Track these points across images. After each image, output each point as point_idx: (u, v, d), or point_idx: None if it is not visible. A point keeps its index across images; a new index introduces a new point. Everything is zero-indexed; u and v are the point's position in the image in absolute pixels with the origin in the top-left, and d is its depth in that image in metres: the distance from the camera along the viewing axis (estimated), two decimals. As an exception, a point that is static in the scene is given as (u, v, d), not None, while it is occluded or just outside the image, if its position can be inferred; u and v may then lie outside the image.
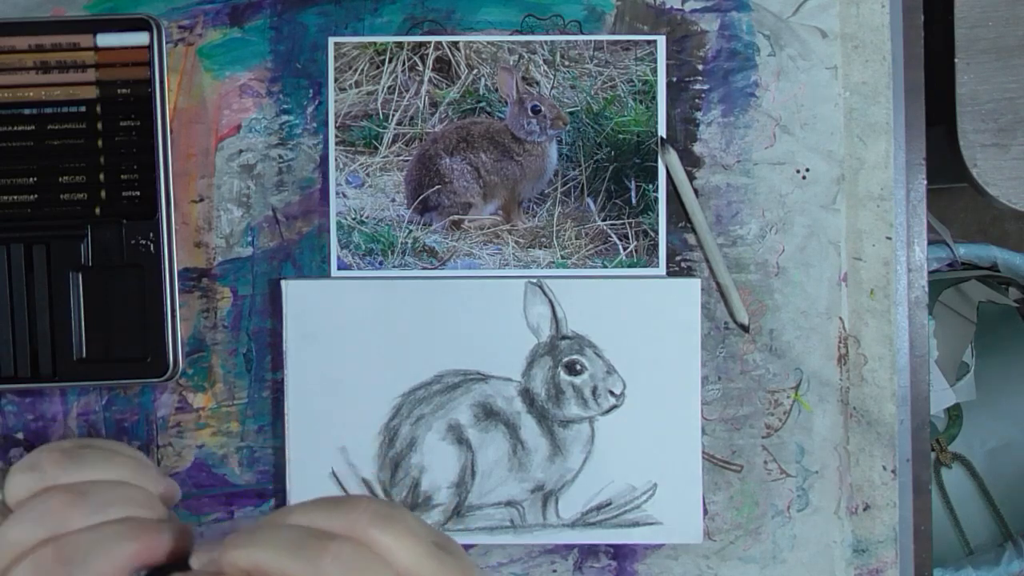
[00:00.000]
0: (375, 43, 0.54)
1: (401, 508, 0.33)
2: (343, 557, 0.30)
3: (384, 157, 0.54)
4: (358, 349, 0.52)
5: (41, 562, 0.32)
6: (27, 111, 0.52)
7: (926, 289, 0.55)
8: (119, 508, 0.34)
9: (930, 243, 0.73)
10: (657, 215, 0.54)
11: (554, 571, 0.54)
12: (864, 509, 0.54)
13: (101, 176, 0.52)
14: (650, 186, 0.54)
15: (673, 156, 0.54)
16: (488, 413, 0.53)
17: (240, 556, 0.31)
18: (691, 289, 0.53)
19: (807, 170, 0.54)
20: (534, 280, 0.53)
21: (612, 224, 0.54)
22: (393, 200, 0.54)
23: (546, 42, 0.54)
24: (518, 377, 0.53)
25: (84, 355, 0.52)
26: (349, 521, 0.31)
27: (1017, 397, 1.00)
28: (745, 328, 0.54)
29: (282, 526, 0.32)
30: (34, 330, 0.51)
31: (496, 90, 0.54)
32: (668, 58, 0.54)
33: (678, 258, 0.54)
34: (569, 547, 0.54)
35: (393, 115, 0.54)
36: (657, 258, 0.54)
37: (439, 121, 0.54)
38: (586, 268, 0.54)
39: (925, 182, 0.55)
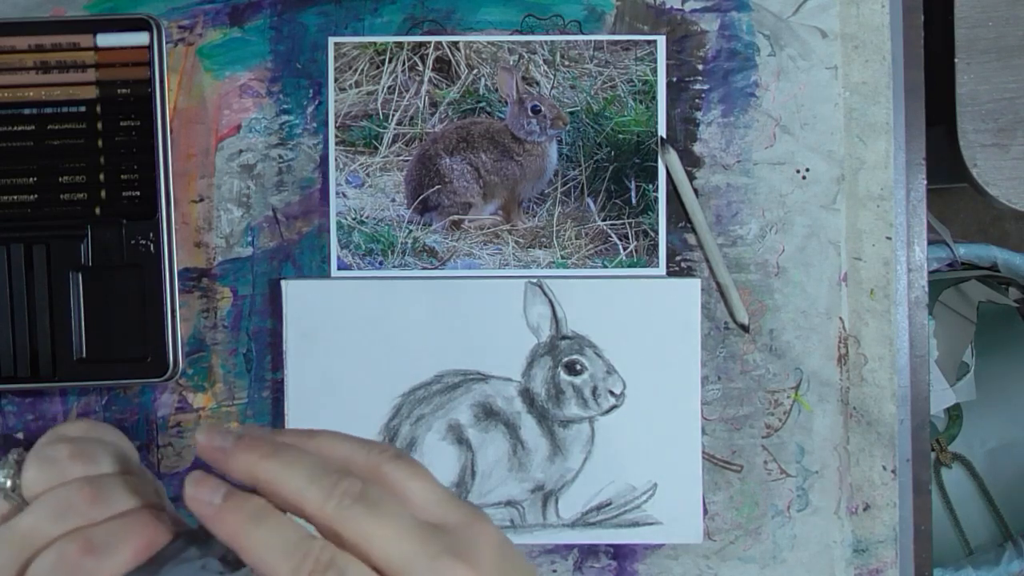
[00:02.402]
0: (375, 43, 0.54)
1: (406, 465, 0.34)
2: (354, 491, 0.31)
3: (384, 157, 0.54)
4: (358, 349, 0.52)
5: (65, 554, 0.33)
6: (27, 111, 0.52)
7: (926, 289, 0.55)
8: (133, 499, 0.35)
9: (930, 243, 0.73)
10: (657, 215, 0.54)
11: (554, 571, 0.54)
12: (864, 509, 0.54)
13: (101, 176, 0.52)
14: (650, 186, 0.54)
15: (673, 156, 0.54)
16: (488, 413, 0.53)
17: (260, 468, 0.32)
18: (691, 289, 0.53)
19: (807, 170, 0.54)
20: (534, 280, 0.53)
21: (612, 224, 0.54)
22: (393, 200, 0.54)
23: (546, 42, 0.54)
24: (518, 377, 0.53)
25: (84, 355, 0.52)
26: (370, 458, 0.33)
27: (1017, 397, 1.00)
28: (745, 328, 0.54)
29: (306, 452, 0.33)
30: (34, 330, 0.51)
31: (496, 90, 0.54)
32: (668, 58, 0.54)
33: (678, 258, 0.54)
34: (569, 547, 0.54)
35: (393, 115, 0.54)
36: (657, 258, 0.54)
37: (439, 121, 0.54)
38: (586, 268, 0.54)
39: (925, 182, 0.55)
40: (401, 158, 0.54)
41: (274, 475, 0.32)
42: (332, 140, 0.54)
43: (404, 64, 0.54)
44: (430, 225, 0.54)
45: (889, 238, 0.54)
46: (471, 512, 0.34)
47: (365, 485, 0.32)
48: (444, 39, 0.54)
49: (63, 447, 0.37)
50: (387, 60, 0.54)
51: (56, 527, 0.34)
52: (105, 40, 0.52)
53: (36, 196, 0.52)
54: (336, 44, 0.54)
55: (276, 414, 0.53)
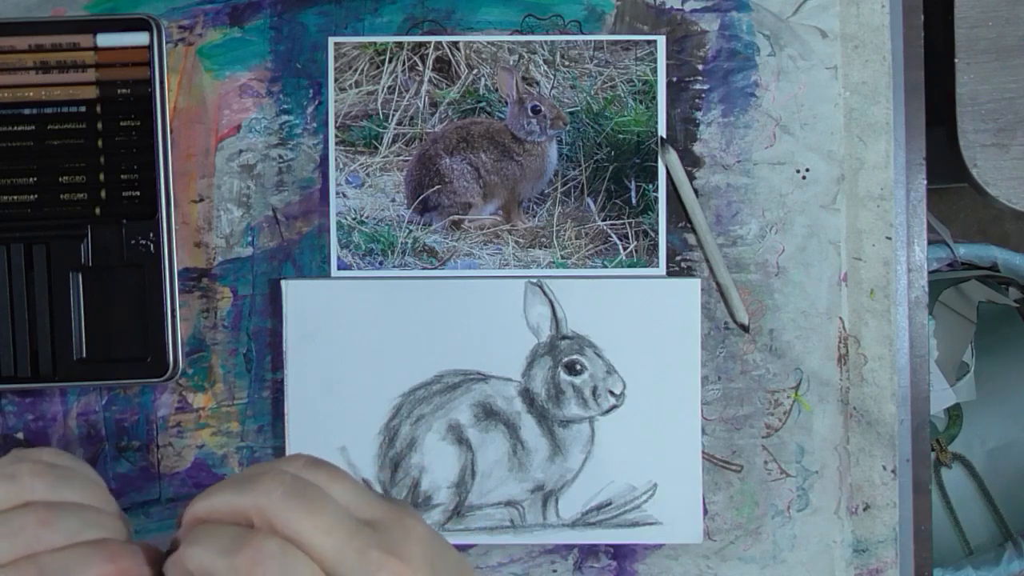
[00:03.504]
0: (375, 43, 0.54)
1: (325, 469, 0.33)
2: (281, 478, 0.31)
3: (384, 157, 0.54)
4: (358, 349, 0.52)
5: None
6: (27, 111, 0.52)
7: (926, 289, 0.55)
8: (95, 530, 0.34)
9: (930, 243, 0.73)
10: (657, 215, 0.54)
11: (554, 571, 0.54)
12: (864, 509, 0.54)
13: (101, 176, 0.52)
14: (650, 186, 0.54)
15: (673, 156, 0.54)
16: (488, 413, 0.53)
17: (199, 508, 0.32)
18: (691, 289, 0.53)
19: (807, 170, 0.54)
20: (534, 280, 0.53)
21: (612, 224, 0.54)
22: (393, 200, 0.54)
23: (546, 42, 0.54)
24: (518, 377, 0.53)
25: (84, 355, 0.52)
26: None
27: (1017, 397, 1.00)
28: (745, 328, 0.54)
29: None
30: (34, 330, 0.51)
31: (496, 90, 0.54)
32: (668, 58, 0.54)
33: (678, 258, 0.54)
34: (569, 547, 0.54)
35: (393, 115, 0.54)
36: (657, 258, 0.54)
37: (439, 121, 0.54)
38: (586, 268, 0.54)
39: (925, 182, 0.55)
40: (401, 158, 0.54)
41: (205, 504, 0.32)
42: (332, 140, 0.54)
43: (404, 64, 0.54)
44: (430, 225, 0.54)
45: (889, 238, 0.54)
46: (398, 508, 0.33)
47: (292, 477, 0.31)
48: (444, 39, 0.54)
49: (26, 465, 0.35)
50: (387, 60, 0.54)
51: (13, 550, 0.32)
52: (105, 40, 0.52)
53: (36, 196, 0.52)
54: (336, 44, 0.54)
55: (276, 414, 0.53)
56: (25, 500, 0.34)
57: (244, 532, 0.31)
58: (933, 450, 0.99)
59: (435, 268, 0.54)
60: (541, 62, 0.54)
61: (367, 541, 0.31)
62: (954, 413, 1.00)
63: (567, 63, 0.54)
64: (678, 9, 0.54)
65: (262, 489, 0.31)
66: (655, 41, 0.54)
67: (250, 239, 0.54)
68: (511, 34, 0.54)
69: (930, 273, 0.76)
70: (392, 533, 0.32)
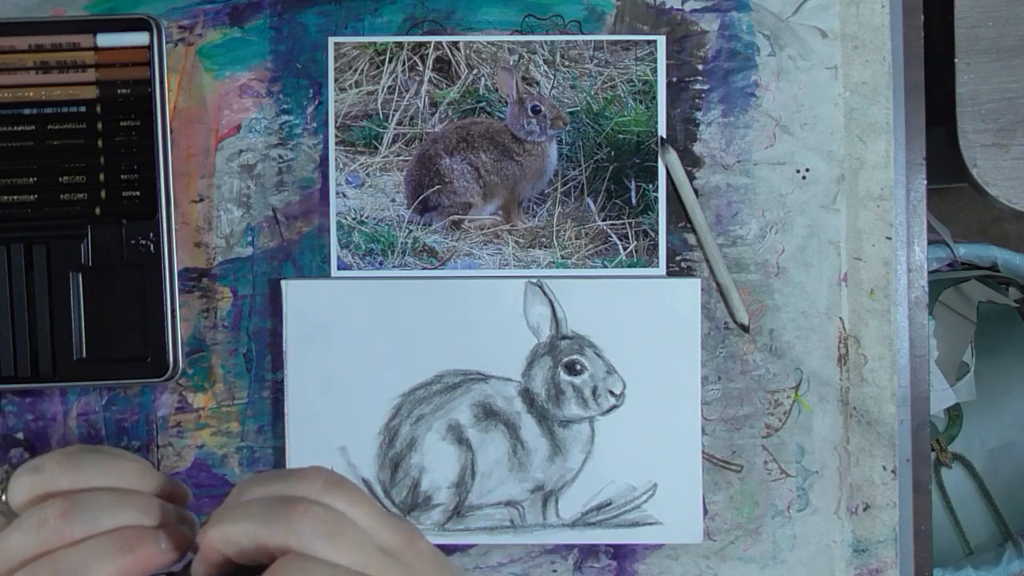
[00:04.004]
0: (375, 43, 0.54)
1: (345, 492, 0.33)
2: (312, 514, 0.31)
3: (384, 157, 0.54)
4: (358, 349, 0.52)
5: None
6: (27, 111, 0.52)
7: (926, 289, 0.55)
8: (115, 516, 0.34)
9: (930, 243, 0.73)
10: (657, 215, 0.54)
11: (554, 571, 0.54)
12: (864, 509, 0.54)
13: (101, 176, 0.52)
14: (650, 186, 0.54)
15: (673, 156, 0.54)
16: (488, 413, 0.53)
17: (214, 537, 0.31)
18: (691, 289, 0.53)
19: (807, 170, 0.54)
20: (534, 280, 0.53)
21: (612, 224, 0.54)
22: (393, 200, 0.54)
23: (546, 42, 0.54)
24: (518, 377, 0.53)
25: (84, 355, 0.52)
26: (304, 489, 0.32)
27: (1017, 397, 1.00)
28: (745, 328, 0.54)
29: (244, 501, 0.32)
30: (34, 330, 0.51)
31: (496, 90, 0.54)
32: (668, 58, 0.54)
33: (678, 258, 0.54)
34: (569, 547, 0.54)
35: (393, 115, 0.54)
36: (657, 258, 0.54)
37: (439, 121, 0.54)
38: (586, 268, 0.54)
39: (925, 182, 0.55)
40: (401, 158, 0.54)
41: (226, 534, 0.31)
42: (332, 140, 0.54)
43: (404, 64, 0.54)
44: (430, 225, 0.54)
45: (889, 238, 0.54)
46: (408, 530, 0.33)
47: (323, 509, 0.31)
48: (444, 39, 0.54)
49: (54, 455, 0.35)
50: (387, 60, 0.54)
51: (33, 544, 0.32)
52: (105, 40, 0.52)
53: (36, 196, 0.52)
54: (336, 44, 0.54)
55: (276, 414, 0.53)
56: (48, 491, 0.34)
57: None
58: (933, 450, 0.99)
59: (435, 268, 0.54)
60: (541, 62, 0.54)
61: (394, 574, 0.31)
62: (954, 413, 1.00)
63: (567, 63, 0.54)
64: (678, 9, 0.54)
65: (290, 526, 0.30)
66: (655, 41, 0.54)
67: (250, 239, 0.54)
68: (511, 34, 0.54)
69: (930, 273, 0.76)
70: (409, 560, 0.32)
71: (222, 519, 0.31)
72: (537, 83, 0.54)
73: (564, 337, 0.53)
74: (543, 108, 0.54)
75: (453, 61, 0.54)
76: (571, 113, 0.54)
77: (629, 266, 0.54)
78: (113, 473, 0.35)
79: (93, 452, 0.37)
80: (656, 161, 0.54)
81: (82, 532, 0.33)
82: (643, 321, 0.53)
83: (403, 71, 0.54)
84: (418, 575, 0.32)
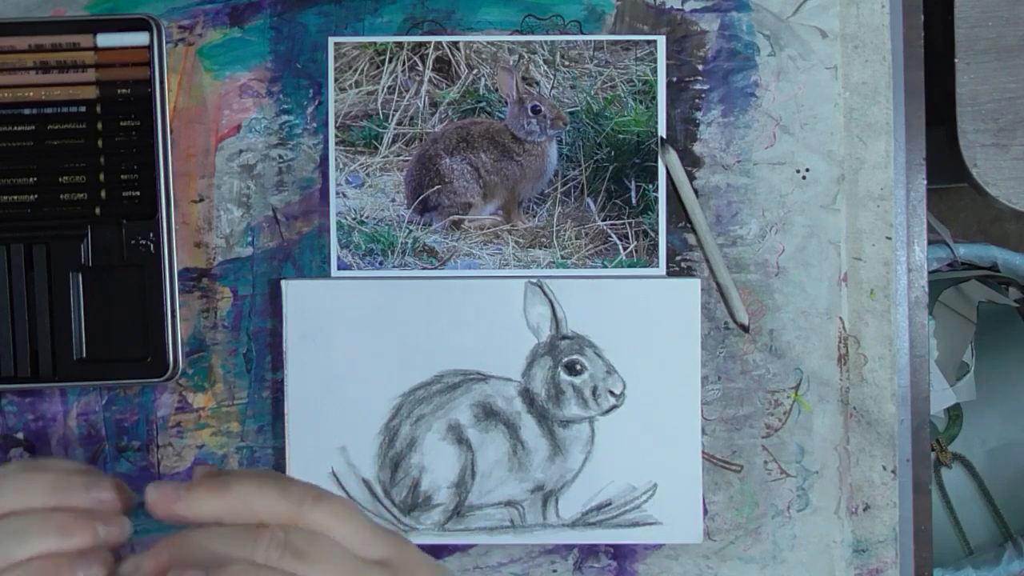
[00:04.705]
0: (375, 43, 0.54)
1: (330, 507, 0.33)
2: (276, 540, 0.31)
3: (384, 157, 0.54)
4: (358, 349, 0.52)
5: None
6: (27, 111, 0.52)
7: (926, 289, 0.55)
8: (31, 543, 0.33)
9: (930, 243, 0.72)
10: (657, 215, 0.54)
11: (554, 571, 0.54)
12: (864, 509, 0.54)
13: (101, 176, 0.52)
14: (650, 186, 0.54)
15: (673, 156, 0.54)
16: (488, 413, 0.53)
17: (178, 551, 0.31)
18: (691, 289, 0.53)
19: (807, 170, 0.54)
20: (534, 280, 0.53)
21: (612, 224, 0.54)
22: (393, 200, 0.54)
23: (546, 42, 0.54)
24: (518, 377, 0.53)
25: (84, 355, 0.52)
26: (291, 507, 0.32)
27: (1017, 397, 1.00)
28: (745, 328, 0.54)
29: (208, 530, 0.32)
30: (34, 330, 0.51)
31: (496, 90, 0.54)
32: (668, 58, 0.54)
33: (678, 258, 0.54)
34: (569, 547, 0.54)
35: (393, 115, 0.54)
36: (657, 258, 0.54)
37: (439, 121, 0.54)
38: (586, 268, 0.54)
39: (925, 182, 0.55)
40: (401, 158, 0.54)
41: (193, 546, 0.31)
42: (332, 140, 0.54)
43: (404, 64, 0.54)
44: (430, 225, 0.54)
45: (889, 238, 0.54)
46: (401, 542, 0.34)
47: (287, 534, 0.31)
48: (444, 39, 0.54)
49: None
50: (387, 60, 0.54)
51: None
52: (105, 40, 0.52)
53: (36, 196, 0.52)
54: (336, 44, 0.54)
55: (276, 414, 0.53)
56: None
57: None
58: (933, 450, 0.99)
59: (435, 268, 0.54)
60: (541, 62, 0.54)
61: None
62: (954, 413, 1.00)
63: (567, 63, 0.54)
64: (678, 9, 0.54)
65: (259, 551, 0.30)
66: (655, 41, 0.54)
67: (250, 239, 0.54)
68: (511, 34, 0.54)
69: (930, 273, 0.76)
70: (402, 570, 0.32)
71: (187, 542, 0.31)
72: (537, 83, 0.54)
73: (564, 337, 0.53)
74: (543, 108, 0.54)
75: (453, 61, 0.54)
76: (571, 113, 0.54)
77: (629, 266, 0.54)
78: (28, 494, 0.34)
79: (13, 474, 0.35)
80: (656, 161, 0.54)
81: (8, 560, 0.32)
82: (643, 321, 0.53)
83: (403, 71, 0.54)
84: None
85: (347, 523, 0.33)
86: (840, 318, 0.54)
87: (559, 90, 0.54)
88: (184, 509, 0.32)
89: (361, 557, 0.32)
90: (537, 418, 0.53)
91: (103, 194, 0.52)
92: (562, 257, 0.54)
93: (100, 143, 0.52)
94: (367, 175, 0.54)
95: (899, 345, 0.55)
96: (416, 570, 0.33)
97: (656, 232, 0.54)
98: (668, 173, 0.54)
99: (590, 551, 0.54)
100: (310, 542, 0.31)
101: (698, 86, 0.54)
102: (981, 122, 0.68)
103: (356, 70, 0.54)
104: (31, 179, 0.52)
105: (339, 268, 0.54)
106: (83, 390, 0.53)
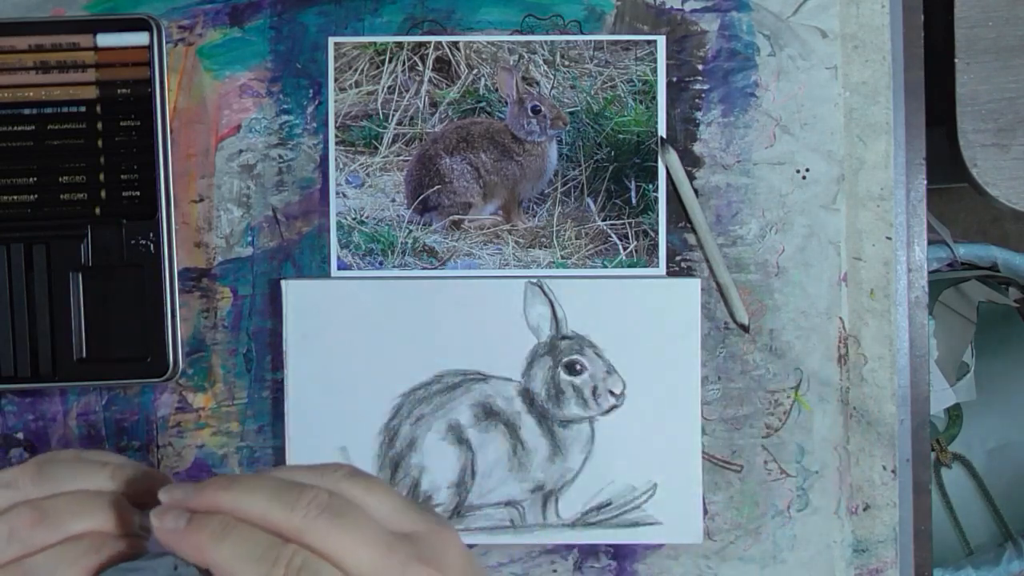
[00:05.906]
0: (375, 43, 0.54)
1: (363, 482, 0.34)
2: (319, 501, 0.31)
3: (384, 157, 0.54)
4: (358, 349, 0.52)
5: None
6: (27, 111, 0.52)
7: (926, 289, 0.55)
8: (81, 521, 0.34)
9: (930, 243, 0.73)
10: (657, 215, 0.54)
11: (554, 571, 0.54)
12: (864, 509, 0.54)
13: (101, 176, 0.52)
14: (650, 186, 0.54)
15: (673, 156, 0.54)
16: (488, 413, 0.53)
17: (221, 497, 0.32)
18: (691, 289, 0.53)
19: (807, 170, 0.54)
20: (534, 280, 0.53)
21: (612, 224, 0.54)
22: (393, 200, 0.54)
23: (546, 42, 0.54)
24: (518, 377, 0.53)
25: (84, 355, 0.52)
26: (325, 479, 0.33)
27: (1017, 397, 1.00)
28: (745, 328, 0.54)
29: (262, 476, 0.33)
30: (34, 330, 0.51)
31: (496, 90, 0.54)
32: (668, 58, 0.54)
33: (678, 258, 0.54)
34: (569, 547, 0.54)
35: (393, 115, 0.54)
36: (657, 258, 0.54)
37: (439, 121, 0.54)
38: (586, 268, 0.54)
39: (925, 182, 0.55)
40: (401, 158, 0.54)
41: (237, 501, 0.32)
42: (332, 140, 0.54)
43: (404, 64, 0.54)
44: (430, 225, 0.54)
45: (889, 238, 0.54)
46: (435, 520, 0.34)
47: (330, 495, 0.32)
48: (444, 39, 0.54)
49: (26, 467, 0.36)
50: (387, 60, 0.54)
51: (4, 553, 0.33)
52: (105, 40, 0.52)
53: (36, 196, 0.52)
54: (336, 44, 0.54)
55: (276, 414, 0.53)
56: (16, 502, 0.35)
57: (277, 544, 0.31)
58: (933, 450, 0.99)
59: (435, 268, 0.54)
60: (541, 62, 0.54)
61: (406, 553, 0.32)
62: (954, 413, 1.00)
63: (567, 63, 0.54)
64: (678, 9, 0.54)
65: (299, 508, 0.31)
66: (655, 41, 0.54)
67: (250, 239, 0.54)
68: (511, 34, 0.54)
69: (930, 273, 0.76)
70: (430, 544, 0.33)
71: (236, 483, 0.33)
72: (537, 83, 0.54)
73: (564, 337, 0.53)
74: (543, 108, 0.54)
75: (453, 61, 0.54)
76: (571, 113, 0.54)
77: (629, 266, 0.54)
78: (80, 479, 0.36)
79: (62, 462, 0.37)
80: (656, 161, 0.54)
81: (54, 537, 0.34)
82: (643, 321, 0.53)
83: (403, 71, 0.54)
84: (438, 558, 0.32)
85: (378, 495, 0.34)
86: (840, 318, 0.54)
87: (559, 90, 0.54)
88: (231, 501, 0.33)
89: (391, 529, 0.33)
90: (537, 418, 0.53)
91: (103, 194, 0.52)
92: (562, 257, 0.54)
93: (100, 143, 0.52)
94: (367, 175, 0.54)
95: (899, 345, 0.55)
96: (444, 548, 0.33)
97: (656, 232, 0.54)
98: (668, 173, 0.54)
99: (590, 551, 0.54)
100: (349, 507, 0.32)
101: (698, 86, 0.54)
102: (981, 122, 0.68)
103: (356, 70, 0.54)
104: (31, 179, 0.52)
105: (339, 268, 0.54)
106: (83, 390, 0.53)
